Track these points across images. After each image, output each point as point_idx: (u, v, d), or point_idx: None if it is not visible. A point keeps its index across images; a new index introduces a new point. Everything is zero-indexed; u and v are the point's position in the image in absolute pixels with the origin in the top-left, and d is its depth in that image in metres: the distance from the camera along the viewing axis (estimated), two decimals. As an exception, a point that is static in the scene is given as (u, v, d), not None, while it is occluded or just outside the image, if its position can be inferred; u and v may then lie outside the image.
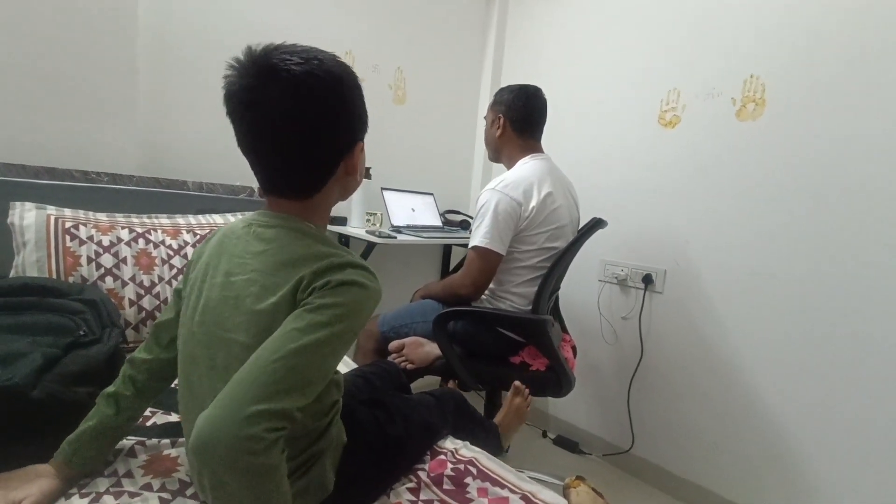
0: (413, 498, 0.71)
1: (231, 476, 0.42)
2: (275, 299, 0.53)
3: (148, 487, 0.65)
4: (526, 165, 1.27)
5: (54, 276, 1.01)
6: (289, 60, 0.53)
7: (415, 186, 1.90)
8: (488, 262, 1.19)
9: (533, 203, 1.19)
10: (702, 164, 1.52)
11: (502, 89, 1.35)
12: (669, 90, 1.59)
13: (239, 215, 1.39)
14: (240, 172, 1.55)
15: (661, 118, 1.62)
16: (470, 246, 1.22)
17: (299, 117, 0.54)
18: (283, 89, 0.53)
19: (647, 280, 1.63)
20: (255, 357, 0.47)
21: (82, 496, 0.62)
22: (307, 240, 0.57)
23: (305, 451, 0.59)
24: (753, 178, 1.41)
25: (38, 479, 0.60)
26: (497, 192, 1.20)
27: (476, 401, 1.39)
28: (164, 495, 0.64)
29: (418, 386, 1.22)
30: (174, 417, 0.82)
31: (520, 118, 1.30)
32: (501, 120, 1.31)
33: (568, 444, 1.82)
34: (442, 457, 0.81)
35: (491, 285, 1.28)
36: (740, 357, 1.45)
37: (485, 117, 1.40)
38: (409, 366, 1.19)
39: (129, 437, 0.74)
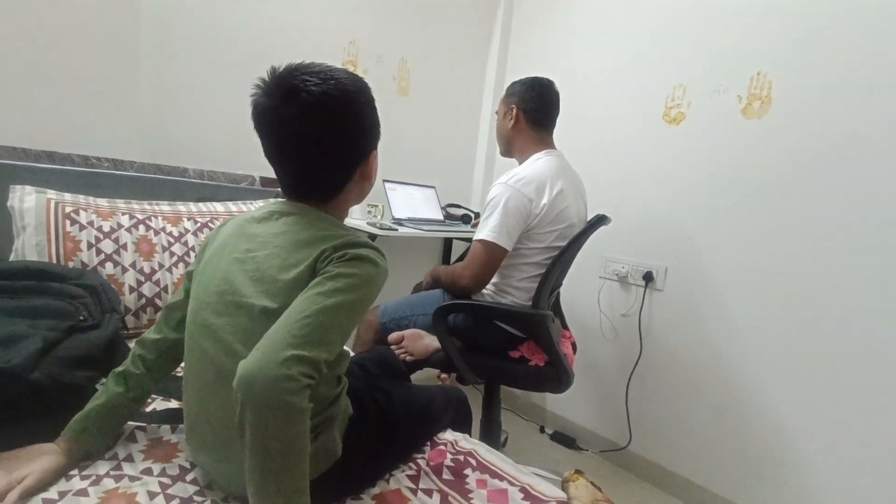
0: (412, 485, 0.71)
1: (267, 413, 0.46)
2: (296, 272, 0.58)
3: (148, 472, 0.65)
4: (539, 161, 1.25)
5: (54, 261, 1.01)
6: (308, 81, 0.59)
7: (417, 179, 1.89)
8: (492, 257, 1.18)
9: (544, 201, 1.18)
10: (706, 162, 1.51)
11: (515, 82, 1.33)
12: (675, 86, 1.58)
13: (240, 203, 1.39)
14: (241, 161, 1.54)
15: (666, 115, 1.61)
16: (476, 238, 1.20)
17: (318, 133, 0.61)
18: (303, 108, 0.59)
19: (648, 277, 1.63)
20: (285, 316, 0.52)
21: (83, 478, 0.62)
22: (326, 223, 0.64)
23: (318, 416, 0.61)
24: (758, 176, 1.40)
25: (41, 457, 0.61)
26: (509, 187, 1.18)
27: (474, 394, 1.39)
28: (164, 480, 0.64)
29: (417, 378, 1.22)
30: (174, 404, 0.82)
31: (533, 109, 1.28)
32: (514, 111, 1.29)
33: (565, 439, 1.83)
34: (441, 447, 0.81)
35: (494, 279, 1.28)
36: (739, 356, 1.45)
37: (496, 111, 1.39)
38: (409, 358, 1.19)
39: (129, 423, 0.74)
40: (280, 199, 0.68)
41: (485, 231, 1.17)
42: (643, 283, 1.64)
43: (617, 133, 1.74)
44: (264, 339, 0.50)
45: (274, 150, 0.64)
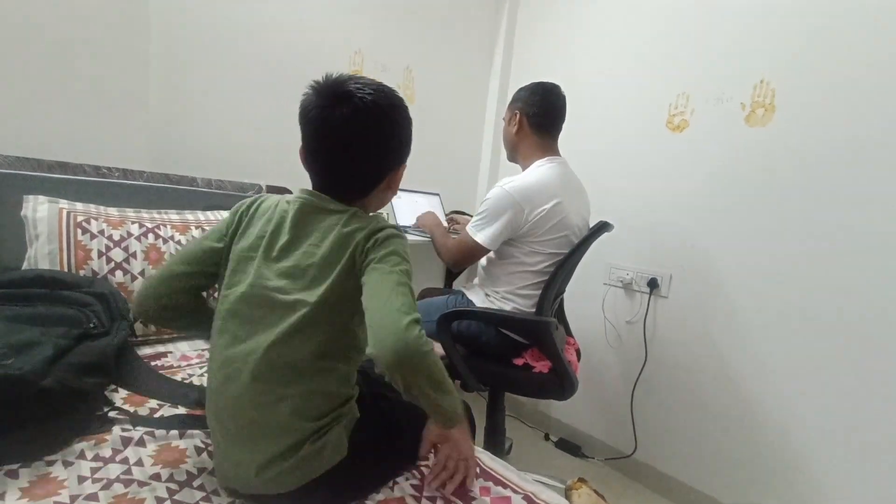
0: (416, 493, 0.71)
1: (420, 365, 0.57)
2: (338, 269, 0.64)
3: (157, 477, 0.66)
4: (541, 169, 1.26)
5: (66, 269, 1.03)
6: (361, 90, 0.65)
7: (421, 186, 1.91)
8: (474, 252, 1.25)
9: (538, 210, 1.19)
10: (710, 169, 1.51)
11: (521, 88, 1.35)
12: (678, 94, 1.58)
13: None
14: (248, 170, 1.57)
15: (669, 122, 1.61)
16: (468, 228, 1.26)
17: (363, 134, 0.67)
18: (354, 111, 0.64)
19: (653, 284, 1.63)
20: (375, 297, 0.60)
21: (94, 481, 0.63)
22: (356, 218, 0.68)
23: (329, 414, 0.64)
24: (762, 184, 1.40)
25: None
26: (505, 192, 1.20)
27: (478, 401, 1.39)
28: (172, 485, 0.65)
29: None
30: (182, 410, 0.83)
31: (536, 114, 1.29)
32: (518, 117, 1.31)
33: (570, 447, 1.82)
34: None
35: (497, 287, 1.28)
36: (746, 363, 1.44)
37: (503, 118, 1.40)
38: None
39: (137, 428, 0.75)
40: (312, 194, 0.71)
41: (472, 227, 1.24)
42: (648, 289, 1.64)
43: (620, 140, 1.75)
44: (378, 320, 0.58)
45: (316, 149, 0.69)
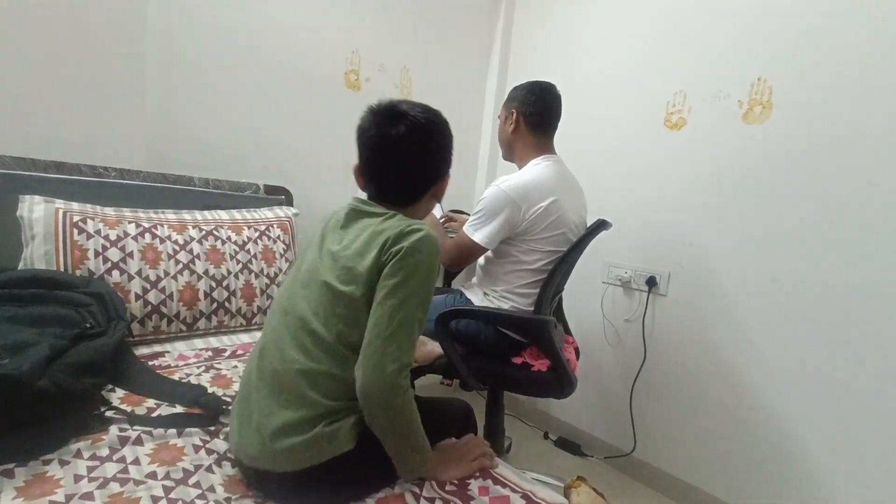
0: (416, 491, 0.71)
1: (388, 411, 0.65)
2: (367, 264, 0.69)
3: (153, 476, 0.66)
4: (537, 168, 1.26)
5: (62, 269, 1.02)
6: (411, 111, 0.76)
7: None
8: (471, 252, 1.24)
9: (534, 209, 1.19)
10: (708, 167, 1.51)
11: (516, 86, 1.34)
12: (676, 92, 1.58)
13: (244, 211, 1.40)
14: (245, 170, 1.56)
15: (667, 120, 1.61)
16: (465, 228, 1.25)
17: (416, 149, 0.77)
18: (408, 129, 0.75)
19: (651, 282, 1.63)
20: (376, 331, 0.65)
21: (90, 480, 0.63)
22: (393, 219, 0.75)
23: (343, 400, 0.68)
24: (760, 182, 1.40)
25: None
26: (501, 190, 1.20)
27: (477, 400, 1.39)
28: (168, 483, 0.65)
29: (420, 384, 1.22)
30: (179, 409, 0.83)
31: (533, 113, 1.29)
32: (514, 115, 1.30)
33: (569, 445, 1.82)
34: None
35: (495, 286, 1.28)
36: (744, 361, 1.44)
37: (499, 116, 1.40)
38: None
39: (135, 428, 0.75)
40: (360, 200, 0.80)
41: (470, 228, 1.24)
42: (646, 288, 1.64)
43: (618, 138, 1.75)
44: (368, 356, 0.64)
45: (374, 162, 0.79)
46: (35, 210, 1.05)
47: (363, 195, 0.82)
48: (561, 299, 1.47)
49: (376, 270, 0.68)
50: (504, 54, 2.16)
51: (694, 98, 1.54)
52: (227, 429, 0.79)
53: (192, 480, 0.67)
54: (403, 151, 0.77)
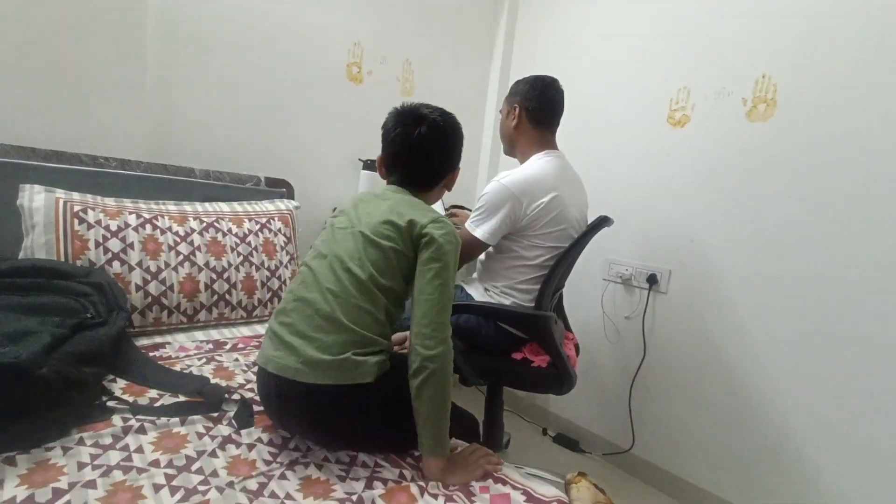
0: (422, 484, 0.71)
1: (444, 375, 0.75)
2: (397, 223, 0.82)
3: (156, 464, 0.66)
4: (538, 163, 1.25)
5: (62, 259, 1.02)
6: (431, 114, 0.90)
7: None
8: (473, 248, 1.24)
9: (536, 204, 1.19)
10: (711, 165, 1.51)
11: (518, 81, 1.33)
12: (679, 89, 1.58)
13: (245, 203, 1.40)
14: (247, 161, 1.56)
15: (670, 117, 1.61)
16: (466, 225, 1.25)
17: (434, 147, 0.92)
18: (429, 128, 0.89)
19: (652, 280, 1.63)
20: (426, 302, 0.79)
21: (94, 468, 0.63)
22: (419, 203, 0.90)
23: (374, 334, 0.78)
24: (763, 179, 1.40)
25: None
26: (502, 185, 1.20)
27: (476, 396, 1.39)
28: (170, 471, 0.65)
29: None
30: (181, 398, 0.83)
31: (535, 108, 1.28)
32: (517, 110, 1.30)
33: (568, 442, 1.82)
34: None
35: (496, 281, 1.28)
36: (744, 359, 1.45)
37: (500, 110, 1.39)
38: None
39: (138, 417, 0.75)
40: (393, 186, 0.94)
41: (472, 224, 1.23)
42: (647, 285, 1.64)
43: (621, 135, 1.74)
44: (427, 325, 0.77)
45: (397, 157, 0.92)
46: (35, 199, 1.05)
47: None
48: (561, 296, 1.47)
49: (409, 235, 0.81)
50: (507, 49, 2.15)
51: (697, 95, 1.54)
52: (232, 413, 0.82)
53: (194, 467, 0.67)
54: (424, 148, 0.90)
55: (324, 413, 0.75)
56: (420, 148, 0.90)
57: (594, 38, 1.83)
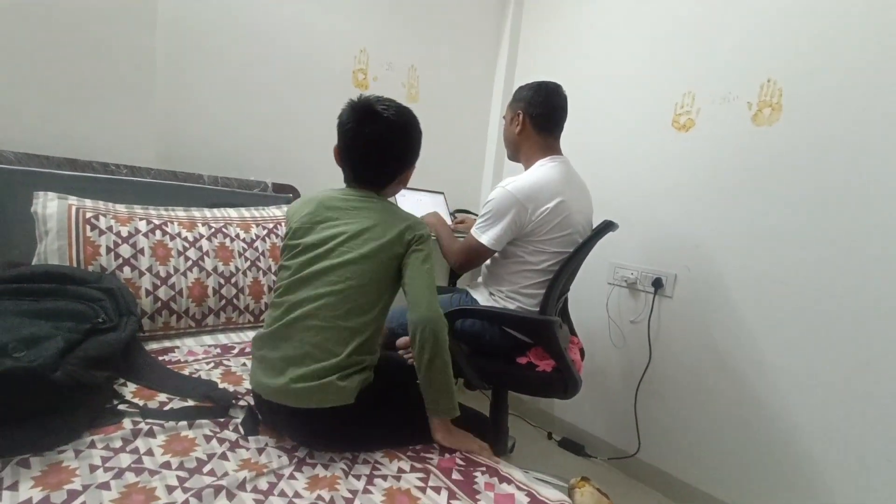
0: (422, 484, 0.72)
1: (439, 342, 0.82)
2: (389, 237, 0.85)
3: (167, 466, 0.67)
4: (543, 168, 1.26)
5: (75, 265, 1.04)
6: (385, 111, 0.87)
7: (425, 185, 1.91)
8: (479, 254, 1.24)
9: (541, 209, 1.19)
10: (716, 169, 1.51)
11: (521, 87, 1.34)
12: (684, 93, 1.58)
13: (253, 209, 1.42)
14: (254, 167, 1.58)
15: (675, 122, 1.61)
16: (472, 231, 1.25)
17: (388, 145, 0.89)
18: (382, 125, 0.87)
19: (657, 284, 1.63)
20: (423, 285, 0.84)
21: (106, 470, 0.64)
22: (394, 207, 0.93)
23: (356, 356, 0.80)
24: (768, 184, 1.40)
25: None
26: (507, 191, 1.20)
27: (481, 400, 1.40)
28: (182, 473, 0.66)
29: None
30: (190, 403, 0.84)
31: (539, 114, 1.28)
32: (521, 116, 1.30)
33: (573, 446, 1.82)
34: (448, 455, 0.82)
35: (501, 286, 1.29)
36: (751, 363, 1.44)
37: (503, 116, 1.40)
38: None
39: (147, 421, 0.76)
40: (349, 188, 0.95)
41: (478, 231, 1.23)
42: (652, 289, 1.64)
43: (626, 139, 1.74)
44: (421, 298, 0.82)
45: (354, 153, 0.90)
46: (49, 206, 1.07)
47: (342, 187, 0.97)
48: (566, 300, 1.47)
49: (399, 244, 0.85)
50: (512, 54, 2.16)
51: (702, 99, 1.54)
52: (239, 420, 0.84)
53: (206, 469, 0.68)
54: (376, 146, 0.89)
55: (313, 429, 0.79)
56: (373, 145, 0.88)
57: (599, 42, 1.84)
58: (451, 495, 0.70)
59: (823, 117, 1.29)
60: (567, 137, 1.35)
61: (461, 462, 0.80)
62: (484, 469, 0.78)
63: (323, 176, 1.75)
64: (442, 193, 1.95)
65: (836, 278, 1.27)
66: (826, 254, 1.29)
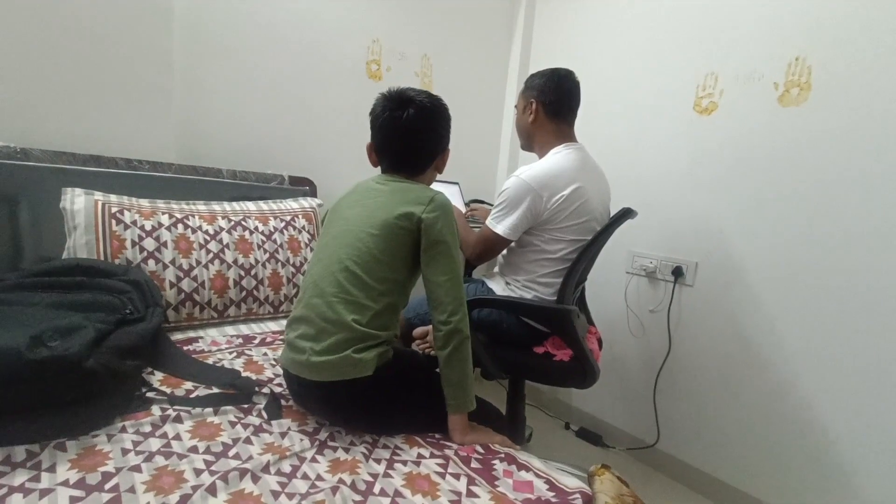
0: (441, 470, 0.73)
1: (464, 338, 0.86)
2: (399, 213, 0.87)
3: (194, 450, 0.70)
4: (558, 156, 1.24)
5: (102, 258, 1.07)
6: (418, 97, 0.92)
7: (441, 175, 1.90)
8: (495, 244, 1.24)
9: (557, 197, 1.18)
10: (740, 153, 1.46)
11: (533, 74, 1.32)
12: (706, 74, 1.53)
13: (271, 202, 1.44)
14: (271, 161, 1.60)
15: (696, 105, 1.56)
16: (487, 222, 1.25)
17: (423, 129, 0.93)
18: (416, 112, 0.91)
19: (678, 272, 1.59)
20: (448, 281, 0.86)
21: (137, 454, 0.67)
22: (413, 185, 0.94)
23: (373, 329, 0.83)
24: (795, 167, 1.34)
25: None
26: (521, 180, 1.19)
27: (498, 389, 1.40)
28: (209, 457, 0.69)
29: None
30: (216, 390, 0.87)
31: (552, 101, 1.26)
32: (534, 105, 1.28)
33: (591, 436, 1.81)
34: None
35: (518, 275, 1.28)
36: (773, 353, 1.40)
37: (515, 105, 1.38)
38: (433, 352, 1.20)
39: (175, 407, 0.79)
40: (384, 174, 0.98)
41: (493, 221, 1.23)
42: (672, 278, 1.60)
43: (645, 124, 1.70)
44: (447, 292, 0.86)
45: (387, 141, 0.94)
46: (76, 202, 1.10)
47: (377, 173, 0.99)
48: (584, 289, 1.45)
49: (410, 223, 0.86)
50: (526, 40, 2.12)
51: (725, 80, 1.48)
52: (262, 405, 0.87)
53: (231, 452, 0.70)
54: (412, 130, 0.92)
55: (335, 404, 0.83)
56: (409, 130, 0.91)
57: (617, 24, 1.79)
58: (471, 481, 0.71)
59: (855, 97, 1.23)
60: (582, 123, 1.32)
61: (480, 450, 0.81)
62: (502, 457, 0.79)
63: (339, 168, 1.77)
64: (457, 184, 1.94)
65: (864, 265, 1.22)
66: (857, 240, 1.24)
